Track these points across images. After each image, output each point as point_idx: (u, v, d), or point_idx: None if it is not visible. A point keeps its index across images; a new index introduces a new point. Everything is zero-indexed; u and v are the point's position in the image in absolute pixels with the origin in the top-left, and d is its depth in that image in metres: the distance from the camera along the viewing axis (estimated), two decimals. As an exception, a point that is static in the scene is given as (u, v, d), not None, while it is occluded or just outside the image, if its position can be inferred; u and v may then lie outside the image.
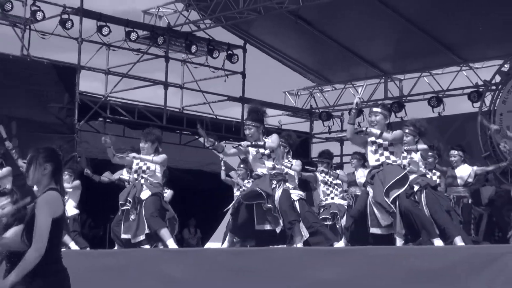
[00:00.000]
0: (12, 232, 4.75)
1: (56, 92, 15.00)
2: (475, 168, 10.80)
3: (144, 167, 9.19)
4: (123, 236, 9.20)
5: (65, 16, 15.30)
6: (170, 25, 17.10)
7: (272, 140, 8.04)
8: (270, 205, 7.91)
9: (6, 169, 10.86)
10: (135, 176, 9.28)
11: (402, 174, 7.24)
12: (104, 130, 16.70)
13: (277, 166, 8.14)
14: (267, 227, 7.98)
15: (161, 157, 9.18)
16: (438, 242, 7.18)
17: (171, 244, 8.84)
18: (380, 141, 7.34)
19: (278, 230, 7.93)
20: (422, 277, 6.06)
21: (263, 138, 8.10)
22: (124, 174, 10.85)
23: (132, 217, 9.07)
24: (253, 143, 8.05)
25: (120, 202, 9.22)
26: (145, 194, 9.06)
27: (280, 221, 7.92)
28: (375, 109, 7.48)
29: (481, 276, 5.79)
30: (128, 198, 9.11)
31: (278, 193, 7.99)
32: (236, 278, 7.23)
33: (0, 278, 4.55)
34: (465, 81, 17.42)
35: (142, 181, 9.12)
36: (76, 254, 9.32)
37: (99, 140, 16.35)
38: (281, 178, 8.11)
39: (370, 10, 15.93)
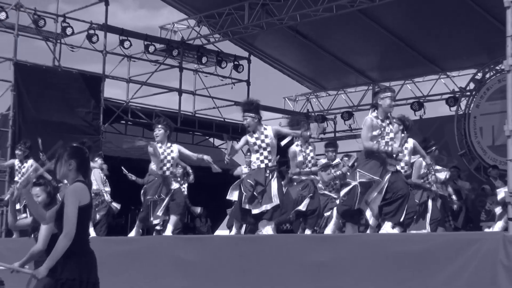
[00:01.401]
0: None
1: (84, 98, 15.06)
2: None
3: (169, 157, 8.99)
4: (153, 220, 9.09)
5: (92, 31, 15.31)
6: (184, 39, 17.11)
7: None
8: (255, 193, 7.73)
9: (31, 162, 10.79)
10: (163, 167, 8.97)
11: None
12: (126, 132, 16.81)
13: (272, 158, 7.89)
14: (250, 207, 7.81)
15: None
16: (388, 227, 6.95)
17: (169, 230, 8.75)
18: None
19: (255, 212, 7.77)
20: (404, 260, 6.06)
21: (260, 128, 7.88)
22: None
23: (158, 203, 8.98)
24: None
25: (155, 196, 8.95)
26: (175, 185, 9.06)
27: (261, 204, 7.76)
28: None
29: (457, 260, 5.79)
30: (162, 195, 8.93)
31: (274, 184, 7.80)
32: (241, 261, 7.23)
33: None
34: (443, 88, 17.44)
35: (168, 172, 8.96)
36: (100, 240, 9.32)
37: (121, 140, 16.42)
38: (274, 168, 7.92)
39: (360, 25, 15.90)
